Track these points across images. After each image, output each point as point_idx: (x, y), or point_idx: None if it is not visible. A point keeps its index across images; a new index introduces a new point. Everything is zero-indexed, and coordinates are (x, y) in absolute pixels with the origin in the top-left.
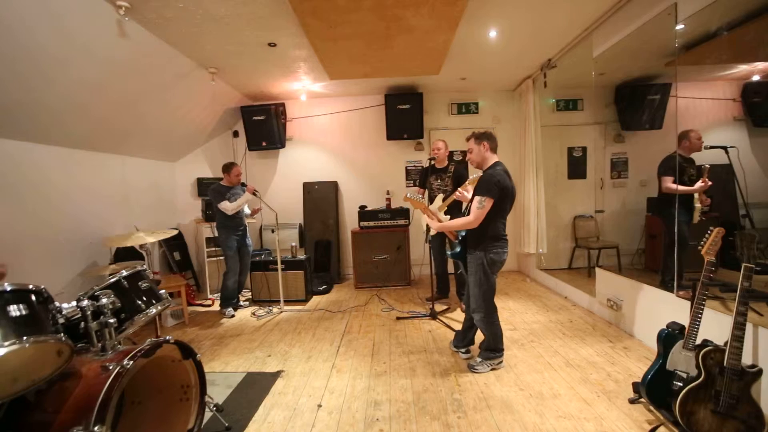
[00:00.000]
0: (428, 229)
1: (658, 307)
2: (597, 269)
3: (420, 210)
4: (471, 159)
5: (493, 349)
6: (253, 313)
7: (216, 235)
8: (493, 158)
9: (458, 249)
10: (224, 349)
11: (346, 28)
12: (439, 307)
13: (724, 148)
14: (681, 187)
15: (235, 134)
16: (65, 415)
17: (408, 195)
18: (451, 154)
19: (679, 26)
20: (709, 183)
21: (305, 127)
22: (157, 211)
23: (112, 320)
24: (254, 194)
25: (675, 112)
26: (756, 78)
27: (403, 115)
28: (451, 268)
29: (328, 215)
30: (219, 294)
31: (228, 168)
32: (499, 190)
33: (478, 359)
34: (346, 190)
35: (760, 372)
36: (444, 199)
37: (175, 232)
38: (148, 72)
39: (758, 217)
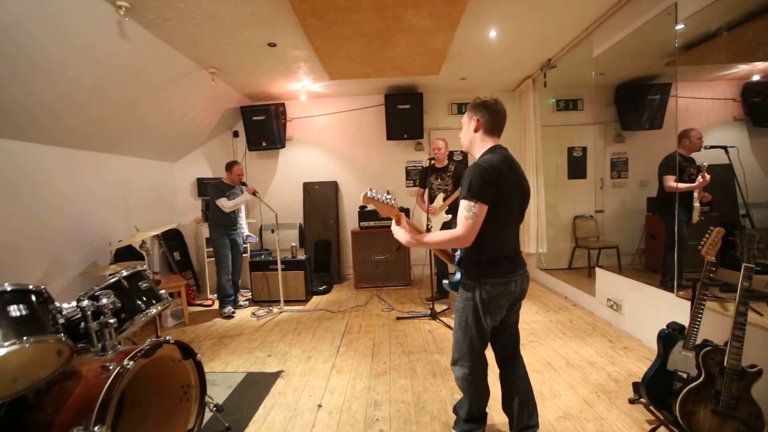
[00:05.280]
0: (428, 228)
1: (658, 307)
2: (597, 269)
3: (387, 215)
4: (460, 138)
5: (472, 418)
6: (253, 313)
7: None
8: (487, 142)
9: (457, 277)
10: (224, 349)
11: (346, 28)
12: (439, 307)
13: (724, 148)
14: (682, 185)
15: (235, 134)
16: (65, 416)
17: (369, 194)
18: (451, 153)
19: (679, 26)
20: (708, 177)
21: (305, 127)
22: (157, 211)
23: (112, 320)
24: (254, 194)
25: (675, 111)
26: (756, 78)
27: (403, 115)
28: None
29: (328, 215)
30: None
31: (230, 166)
32: (493, 188)
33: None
34: (346, 190)
35: (760, 372)
36: (444, 199)
37: (175, 224)
38: (148, 72)
39: (758, 217)
